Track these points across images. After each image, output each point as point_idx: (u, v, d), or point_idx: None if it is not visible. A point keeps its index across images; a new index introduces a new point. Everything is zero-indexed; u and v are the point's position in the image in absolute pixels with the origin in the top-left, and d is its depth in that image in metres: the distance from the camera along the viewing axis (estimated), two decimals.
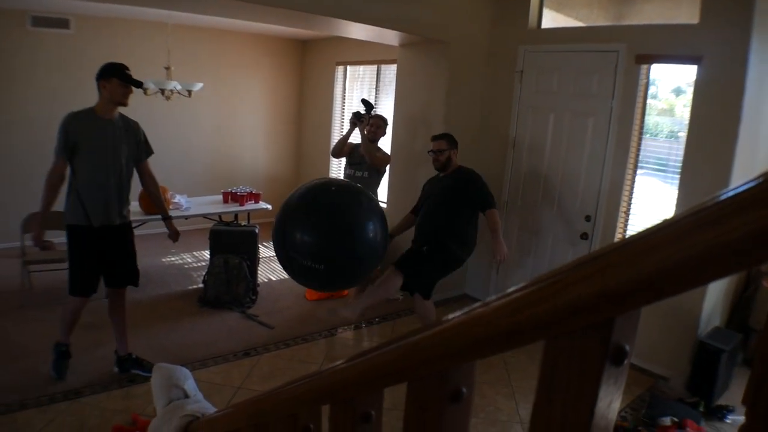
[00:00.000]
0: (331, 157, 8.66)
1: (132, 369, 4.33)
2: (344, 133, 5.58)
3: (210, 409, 1.91)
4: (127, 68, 3.86)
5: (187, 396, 2.00)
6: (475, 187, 4.53)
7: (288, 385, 1.11)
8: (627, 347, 0.58)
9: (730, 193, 0.44)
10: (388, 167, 5.69)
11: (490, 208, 4.47)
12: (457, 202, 4.52)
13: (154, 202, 4.44)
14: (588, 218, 5.04)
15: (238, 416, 1.43)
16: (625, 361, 0.58)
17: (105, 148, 3.86)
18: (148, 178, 4.28)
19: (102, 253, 4.02)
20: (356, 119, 5.39)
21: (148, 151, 4.26)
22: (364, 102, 5.42)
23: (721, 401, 4.22)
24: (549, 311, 0.57)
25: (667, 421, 3.76)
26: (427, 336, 0.71)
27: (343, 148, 5.61)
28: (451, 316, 0.70)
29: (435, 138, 4.71)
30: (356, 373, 0.87)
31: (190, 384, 2.06)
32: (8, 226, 6.39)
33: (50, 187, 3.82)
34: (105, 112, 3.86)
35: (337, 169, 8.59)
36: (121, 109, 3.99)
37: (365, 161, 5.45)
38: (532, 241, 5.57)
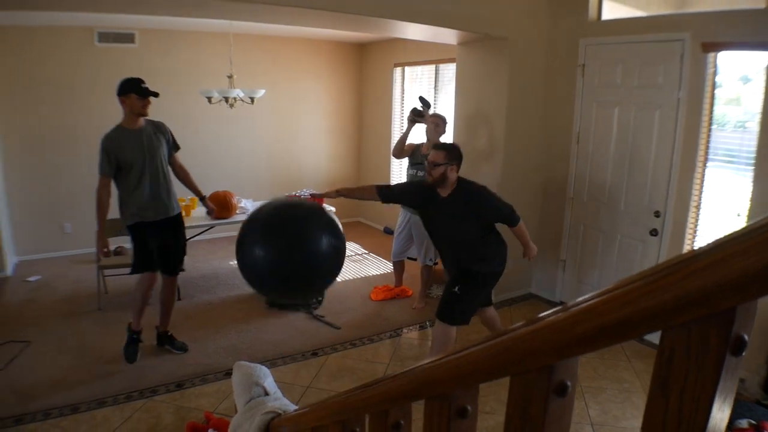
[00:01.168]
0: (392, 157, 8.71)
1: (166, 344, 4.83)
2: (403, 133, 5.58)
3: (290, 406, 1.95)
4: (143, 81, 4.26)
5: (267, 393, 2.05)
6: (491, 208, 4.06)
7: (379, 382, 1.13)
8: (746, 337, 0.57)
9: None
10: None
11: (516, 225, 4.11)
12: (470, 225, 4.04)
13: (188, 187, 4.82)
14: (657, 214, 4.91)
15: (324, 413, 1.46)
16: (744, 352, 0.58)
17: (141, 155, 4.30)
18: (179, 170, 4.74)
19: (157, 242, 4.50)
20: (415, 116, 5.38)
21: (177, 147, 4.68)
22: (422, 99, 5.41)
23: None
24: (668, 301, 0.56)
25: (744, 423, 3.62)
26: (531, 331, 0.71)
27: (403, 148, 5.59)
28: (553, 311, 0.70)
29: (435, 147, 4.10)
30: (454, 369, 0.88)
31: (269, 382, 2.11)
32: (86, 234, 6.66)
33: (100, 203, 4.39)
34: (131, 124, 4.32)
35: (398, 169, 8.61)
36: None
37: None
38: (599, 239, 5.45)
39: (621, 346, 4.94)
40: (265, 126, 8.55)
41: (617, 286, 0.63)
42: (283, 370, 4.55)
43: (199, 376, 4.42)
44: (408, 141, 5.59)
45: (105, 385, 4.24)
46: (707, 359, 0.57)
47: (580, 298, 0.67)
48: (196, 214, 6.07)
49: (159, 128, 4.49)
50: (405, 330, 5.39)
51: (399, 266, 6.12)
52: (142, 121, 4.36)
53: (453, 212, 4.02)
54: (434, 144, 4.28)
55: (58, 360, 4.61)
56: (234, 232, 8.45)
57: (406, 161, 5.73)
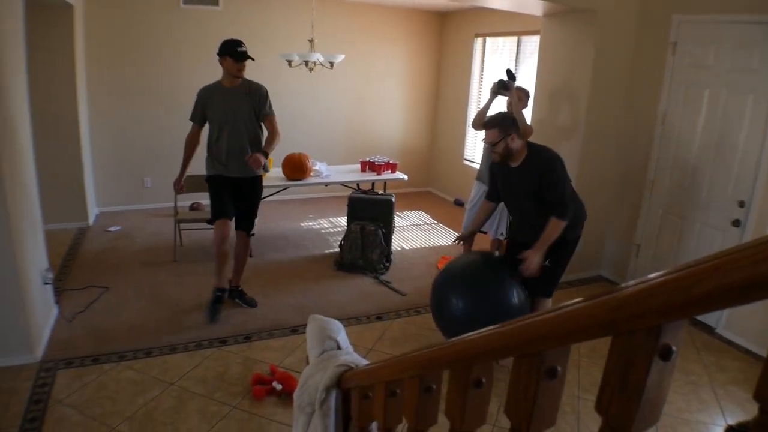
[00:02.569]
0: (467, 129, 8.60)
1: (236, 298, 5.00)
2: (484, 104, 5.47)
3: (362, 361, 1.98)
4: (241, 45, 4.41)
5: (339, 348, 2.09)
6: (549, 180, 3.68)
7: (463, 339, 1.13)
8: None
9: None
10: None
11: (555, 216, 3.67)
12: (543, 198, 3.75)
13: (267, 144, 4.74)
14: (742, 204, 4.69)
15: (399, 367, 1.47)
16: None
17: (224, 113, 4.52)
18: (272, 131, 4.71)
19: (231, 195, 4.70)
20: (502, 89, 5.22)
21: (267, 110, 4.71)
22: (509, 72, 5.26)
23: None
24: None
25: None
26: (642, 289, 0.69)
27: (483, 119, 5.49)
28: (662, 272, 0.68)
29: (485, 125, 3.86)
30: (551, 326, 0.87)
31: (342, 336, 2.14)
32: (164, 188, 6.90)
33: (186, 148, 4.73)
34: (227, 83, 4.55)
35: (473, 141, 8.53)
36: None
37: None
38: (678, 225, 5.27)
39: (692, 337, 4.79)
40: (342, 91, 8.61)
41: (744, 246, 0.60)
42: (347, 331, 4.49)
43: (266, 331, 4.55)
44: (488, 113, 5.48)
45: (177, 333, 4.44)
46: None
47: (695, 260, 0.65)
48: (271, 174, 6.18)
49: (253, 91, 4.61)
50: None
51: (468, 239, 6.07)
52: (238, 81, 4.54)
53: (526, 180, 3.76)
54: (483, 123, 3.99)
55: (134, 306, 4.84)
56: (307, 194, 8.57)
57: (482, 134, 5.64)
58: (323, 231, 7.27)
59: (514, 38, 7.56)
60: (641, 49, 5.49)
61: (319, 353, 2.06)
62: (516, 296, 3.86)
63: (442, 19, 9.14)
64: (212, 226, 4.74)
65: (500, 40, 7.96)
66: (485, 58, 8.33)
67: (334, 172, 6.66)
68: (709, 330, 4.86)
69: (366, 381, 1.79)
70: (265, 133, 4.69)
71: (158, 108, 7.47)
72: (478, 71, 8.45)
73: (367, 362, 1.92)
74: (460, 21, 8.75)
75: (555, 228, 3.66)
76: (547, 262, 3.82)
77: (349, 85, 8.62)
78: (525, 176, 3.77)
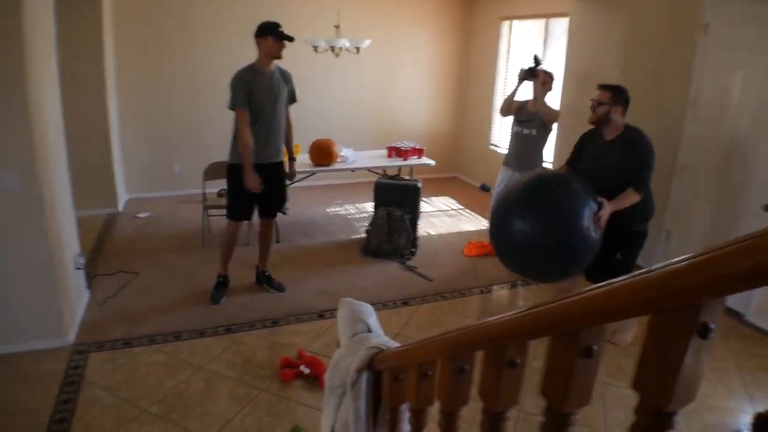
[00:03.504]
0: (493, 114, 8.54)
1: (264, 283, 5.05)
2: (511, 90, 5.44)
3: (392, 343, 1.99)
4: (280, 26, 4.35)
5: (370, 331, 2.10)
6: (638, 157, 3.76)
7: (500, 318, 1.13)
8: None
9: None
10: (555, 125, 5.48)
11: (633, 187, 3.74)
12: (626, 180, 3.79)
13: (285, 141, 4.85)
14: None
15: (432, 349, 1.48)
16: None
17: (267, 97, 4.45)
18: (288, 121, 4.78)
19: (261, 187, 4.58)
20: (529, 75, 5.18)
21: (294, 99, 4.77)
22: (536, 58, 5.21)
23: None
24: None
25: None
26: (685, 266, 0.69)
27: (511, 105, 5.45)
28: (715, 246, 0.67)
29: (602, 87, 3.97)
30: (588, 305, 0.87)
31: (373, 320, 2.15)
32: (193, 175, 6.97)
33: (245, 136, 4.39)
34: (264, 66, 4.45)
35: (499, 127, 8.47)
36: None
37: (534, 118, 5.27)
38: (708, 210, 5.18)
39: (720, 322, 4.73)
40: (368, 77, 8.60)
41: None
42: None
43: (294, 315, 4.59)
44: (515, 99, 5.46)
45: (206, 317, 4.51)
46: None
47: (734, 239, 0.64)
48: (298, 161, 6.18)
49: (286, 76, 4.63)
50: (496, 287, 5.36)
51: None
52: (273, 65, 4.50)
53: (615, 153, 3.80)
54: (600, 84, 4.04)
55: (163, 291, 4.93)
56: (334, 179, 8.59)
57: (510, 119, 5.61)
58: (350, 216, 7.30)
59: (542, 21, 7.47)
60: (672, 31, 5.39)
61: (350, 336, 2.08)
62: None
63: (468, 2, 9.06)
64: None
65: (528, 23, 7.87)
66: (512, 42, 8.25)
67: (360, 157, 6.67)
68: (738, 316, 4.79)
69: (398, 363, 1.80)
70: None
71: (188, 95, 7.54)
72: (505, 55, 8.37)
73: (398, 345, 1.93)
74: (486, 4, 8.67)
75: (629, 197, 3.71)
76: (618, 255, 3.88)
77: (374, 70, 8.61)
78: (615, 150, 3.84)
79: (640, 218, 3.89)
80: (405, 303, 4.93)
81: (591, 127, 4.10)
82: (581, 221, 3.45)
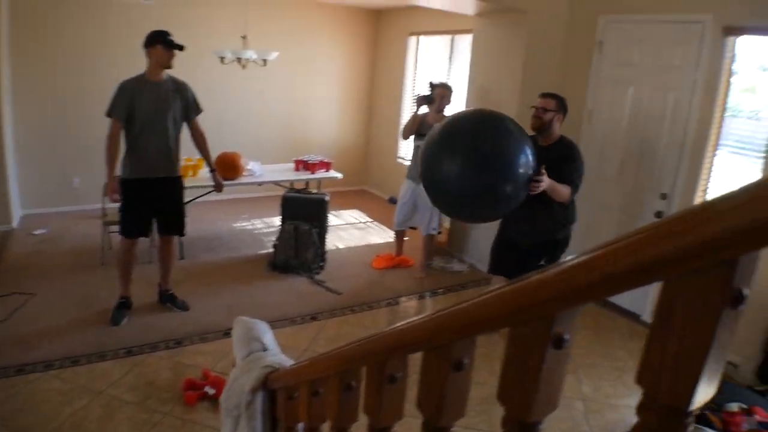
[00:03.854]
0: (401, 127, 8.65)
1: (168, 302, 4.86)
2: (412, 115, 5.51)
3: (287, 362, 1.97)
4: (170, 34, 4.25)
5: (265, 349, 2.07)
6: (570, 167, 3.92)
7: (377, 335, 1.13)
8: (745, 291, 0.57)
9: None
10: None
11: (572, 196, 3.93)
12: (560, 181, 3.88)
13: (202, 154, 4.80)
14: (664, 196, 4.89)
15: (321, 366, 1.47)
16: (742, 306, 0.58)
17: (153, 109, 4.29)
18: (197, 135, 4.67)
19: (151, 203, 4.47)
20: (425, 101, 5.33)
21: (197, 110, 4.61)
22: (431, 84, 5.38)
23: None
24: (674, 249, 0.56)
25: (734, 407, 3.64)
26: (537, 280, 0.71)
27: (413, 128, 5.53)
28: (564, 261, 0.70)
29: (544, 95, 4.12)
30: (455, 319, 0.88)
31: (268, 337, 2.12)
32: (93, 189, 6.67)
33: (109, 146, 4.34)
34: (153, 76, 4.30)
35: (407, 141, 8.56)
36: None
37: None
38: (605, 217, 5.43)
39: (617, 324, 4.98)
40: (276, 89, 8.51)
41: (624, 236, 0.63)
42: (281, 332, 4.56)
43: (199, 335, 4.46)
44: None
45: (106, 340, 4.29)
46: (707, 309, 0.58)
47: (585, 250, 0.67)
48: (203, 174, 6.07)
49: (180, 88, 4.46)
50: (404, 299, 5.42)
51: (401, 235, 6.15)
52: (164, 75, 4.35)
53: (550, 160, 3.80)
54: (543, 93, 4.20)
55: (60, 313, 4.66)
56: (239, 194, 8.45)
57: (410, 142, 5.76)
58: (257, 231, 7.19)
59: (448, 37, 7.65)
60: (569, 49, 5.64)
61: (245, 355, 2.04)
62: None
63: (377, 17, 9.16)
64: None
65: (434, 38, 8.03)
66: (419, 57, 8.40)
67: (267, 171, 6.58)
68: (635, 317, 5.04)
69: (291, 381, 1.78)
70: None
71: (87, 105, 7.18)
72: (413, 69, 8.51)
73: (293, 362, 1.91)
74: (395, 19, 8.79)
75: (564, 189, 3.81)
76: (542, 261, 4.01)
77: (283, 82, 8.53)
78: (550, 155, 3.91)
79: (563, 224, 4.09)
80: (313, 318, 4.89)
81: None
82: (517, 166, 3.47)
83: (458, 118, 3.78)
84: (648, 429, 0.67)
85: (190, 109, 4.52)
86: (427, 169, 3.64)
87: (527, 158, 3.50)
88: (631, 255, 0.60)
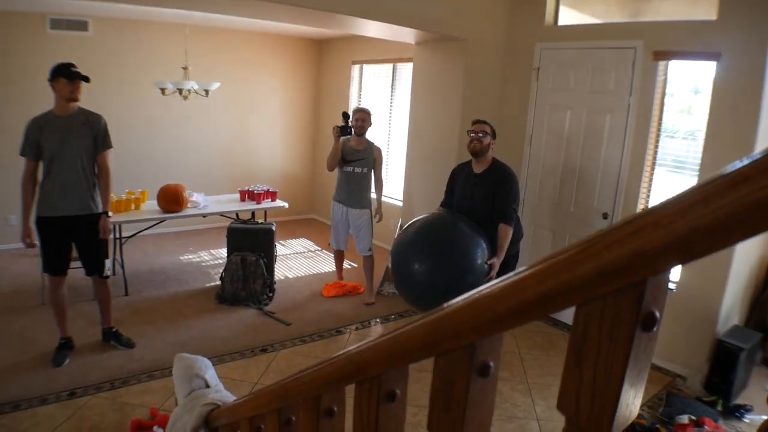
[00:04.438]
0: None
1: (112, 340, 4.71)
2: (333, 147, 5.63)
3: (230, 398, 1.93)
4: (73, 66, 4.14)
5: (208, 386, 2.02)
6: (504, 192, 4.22)
7: (311, 368, 1.12)
8: (657, 313, 0.58)
9: (763, 154, 0.45)
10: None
11: (504, 222, 4.18)
12: (497, 207, 4.25)
13: (102, 194, 4.45)
14: (605, 216, 5.02)
15: (260, 402, 1.45)
16: (655, 328, 0.59)
17: (62, 145, 4.15)
18: (102, 170, 4.41)
19: (67, 241, 4.35)
20: (342, 133, 5.52)
21: (106, 144, 4.40)
22: (344, 114, 5.56)
23: (739, 400, 4.18)
24: (580, 276, 0.57)
25: (684, 419, 3.72)
26: (454, 310, 0.71)
27: (336, 159, 5.66)
28: (479, 289, 0.71)
29: (478, 121, 4.41)
30: (381, 351, 0.88)
31: (210, 374, 2.08)
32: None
33: (24, 189, 4.20)
34: (61, 111, 4.18)
35: None
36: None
37: (365, 157, 5.64)
38: (549, 238, 5.54)
39: (557, 339, 5.06)
40: (219, 120, 8.44)
41: (540, 261, 0.64)
42: (232, 366, 4.49)
43: (146, 373, 4.33)
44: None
45: (47, 382, 4.11)
46: (619, 333, 0.59)
47: (505, 276, 0.68)
48: (146, 207, 5.96)
49: (91, 121, 4.29)
50: (355, 326, 5.38)
51: (339, 256, 6.24)
52: (73, 108, 4.20)
53: (485, 184, 4.27)
54: (477, 119, 4.49)
55: None
56: (184, 226, 8.29)
57: (334, 174, 5.94)
58: (203, 264, 7.05)
59: (390, 65, 7.75)
60: (508, 75, 5.79)
61: (187, 393, 1.99)
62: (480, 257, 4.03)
63: (320, 46, 9.21)
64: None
65: (376, 66, 8.12)
66: (363, 85, 8.47)
67: (212, 202, 6.50)
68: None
69: (232, 418, 1.74)
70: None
71: (18, 140, 7.00)
72: (356, 97, 8.56)
73: (235, 398, 1.87)
74: (337, 48, 8.85)
75: (505, 233, 4.15)
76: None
77: (226, 113, 8.46)
78: (484, 181, 4.30)
79: (512, 242, 4.27)
80: (263, 350, 4.81)
81: (457, 163, 4.75)
82: (475, 260, 3.98)
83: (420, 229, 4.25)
84: None
85: (99, 142, 4.33)
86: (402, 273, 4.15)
87: (483, 251, 4.04)
88: (540, 283, 0.61)
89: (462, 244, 4.02)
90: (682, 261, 0.53)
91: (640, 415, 3.90)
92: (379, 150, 5.76)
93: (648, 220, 0.53)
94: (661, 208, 0.53)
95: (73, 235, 4.32)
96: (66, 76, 4.07)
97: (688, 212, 0.49)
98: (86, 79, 4.16)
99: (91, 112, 4.32)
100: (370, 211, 5.81)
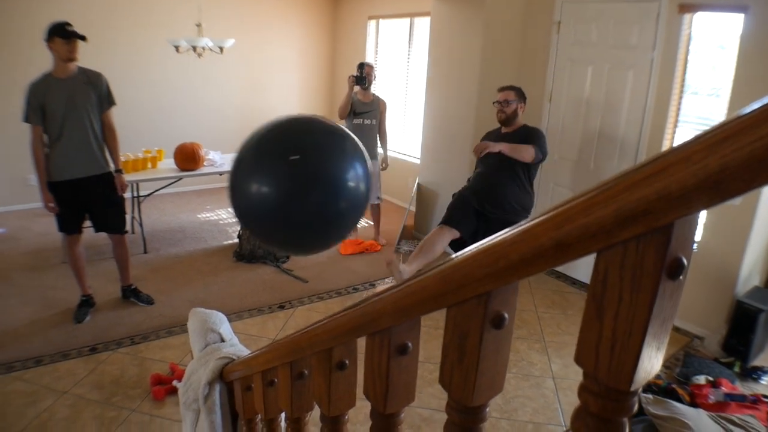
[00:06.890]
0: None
1: (131, 297, 4.77)
2: (345, 96, 5.81)
3: (245, 351, 1.93)
4: (69, 24, 4.00)
5: (222, 340, 2.02)
6: (532, 140, 4.27)
7: (323, 321, 1.10)
8: (684, 260, 0.54)
9: None
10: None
11: (534, 146, 4.23)
12: (517, 163, 4.28)
13: (110, 153, 4.42)
14: None
15: (273, 355, 1.44)
16: (681, 276, 0.55)
17: (66, 106, 4.06)
18: (107, 130, 4.36)
19: (81, 203, 4.32)
20: (358, 82, 5.74)
21: (110, 102, 4.35)
22: (360, 66, 5.83)
23: (757, 362, 4.13)
24: (600, 220, 0.53)
25: (701, 379, 3.70)
26: (466, 257, 0.68)
27: (348, 107, 5.85)
28: (493, 237, 0.67)
29: (502, 89, 4.45)
30: (392, 302, 0.85)
31: (225, 328, 2.08)
32: None
33: (35, 154, 4.11)
34: (59, 72, 4.07)
35: None
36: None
37: (372, 109, 5.86)
38: (567, 197, 5.47)
39: (584, 300, 5.01)
40: (234, 77, 8.37)
41: (556, 206, 0.60)
42: (250, 322, 4.53)
43: (165, 329, 4.38)
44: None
45: (69, 338, 4.19)
46: (642, 281, 0.55)
47: (522, 222, 0.65)
48: (163, 166, 5.96)
49: (92, 79, 4.20)
50: (372, 284, 5.39)
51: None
52: (73, 69, 4.11)
53: (513, 140, 4.26)
54: (501, 87, 4.52)
55: (21, 313, 4.53)
56: (201, 185, 8.30)
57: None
58: (221, 222, 7.08)
59: (407, 20, 7.59)
60: (528, 30, 5.63)
61: (202, 347, 2.00)
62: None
63: (335, 1, 9.06)
64: None
65: (393, 21, 7.97)
66: (379, 40, 8.33)
67: (228, 160, 6.48)
68: None
69: (246, 372, 1.74)
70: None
71: None
72: (373, 53, 8.44)
73: (249, 352, 1.87)
74: (353, 4, 8.69)
75: (526, 149, 4.16)
76: (492, 217, 4.31)
77: (241, 71, 8.38)
78: (512, 137, 4.34)
79: (523, 208, 4.30)
80: (281, 307, 4.84)
81: (489, 130, 4.68)
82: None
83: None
84: (589, 410, 0.64)
85: (103, 100, 4.27)
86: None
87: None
88: (556, 228, 0.57)
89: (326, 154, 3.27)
90: (715, 201, 0.47)
91: (656, 375, 3.89)
92: (384, 103, 5.99)
93: (676, 156, 0.48)
94: (690, 144, 0.48)
95: (86, 197, 4.29)
96: (61, 35, 3.94)
97: (722, 146, 0.44)
98: (83, 38, 4.04)
99: (90, 70, 4.23)
100: (378, 161, 6.00)
